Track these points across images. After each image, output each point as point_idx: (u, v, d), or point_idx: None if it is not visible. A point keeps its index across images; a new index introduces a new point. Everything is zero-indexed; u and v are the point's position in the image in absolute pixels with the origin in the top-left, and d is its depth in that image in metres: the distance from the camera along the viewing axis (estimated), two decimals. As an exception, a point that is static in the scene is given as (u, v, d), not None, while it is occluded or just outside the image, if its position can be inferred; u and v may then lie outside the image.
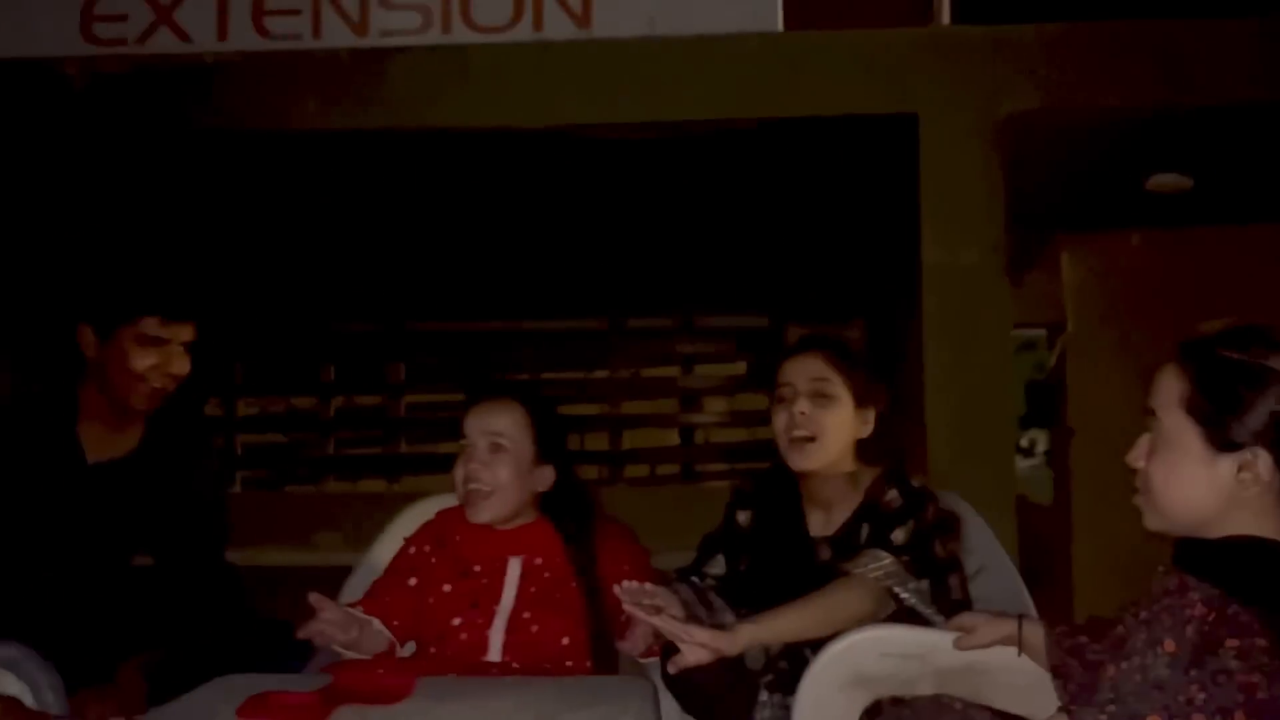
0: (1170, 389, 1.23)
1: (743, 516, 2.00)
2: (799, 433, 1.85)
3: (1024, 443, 7.35)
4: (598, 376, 5.60)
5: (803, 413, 1.85)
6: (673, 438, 5.73)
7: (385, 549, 2.00)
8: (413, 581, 1.85)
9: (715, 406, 5.71)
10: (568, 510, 1.90)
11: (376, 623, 1.78)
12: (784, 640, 1.68)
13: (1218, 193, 4.32)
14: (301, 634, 1.66)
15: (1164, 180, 4.23)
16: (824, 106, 3.43)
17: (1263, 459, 1.16)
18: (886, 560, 1.73)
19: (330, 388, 5.62)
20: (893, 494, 1.83)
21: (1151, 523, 1.27)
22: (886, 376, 2.06)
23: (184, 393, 2.22)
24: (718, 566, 1.96)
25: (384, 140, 3.65)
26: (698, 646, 1.58)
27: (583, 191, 4.17)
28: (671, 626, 1.56)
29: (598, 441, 5.46)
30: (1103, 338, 4.93)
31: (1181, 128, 3.67)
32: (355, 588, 2.01)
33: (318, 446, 5.72)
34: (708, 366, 5.76)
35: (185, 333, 2.15)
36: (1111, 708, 1.02)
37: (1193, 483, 1.20)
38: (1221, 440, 1.18)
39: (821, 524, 1.92)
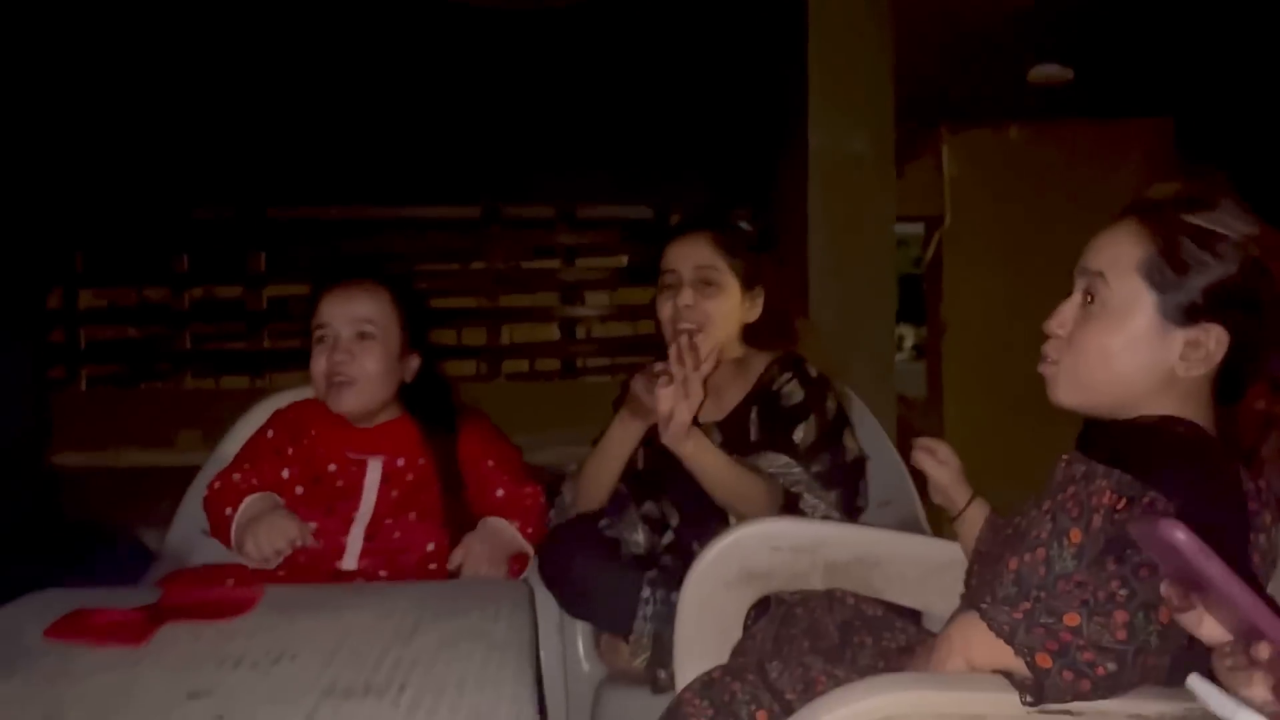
0: (1127, 250, 1.09)
1: None
2: (684, 325, 1.76)
3: (893, 337, 7.48)
4: (475, 268, 5.38)
5: (688, 305, 1.76)
6: (553, 332, 5.59)
7: (234, 445, 1.80)
8: (285, 473, 1.68)
9: (597, 300, 5.57)
10: (431, 404, 1.75)
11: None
12: (705, 473, 1.61)
13: (1098, 85, 4.34)
14: None
15: (1046, 71, 4.22)
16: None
17: (1215, 334, 1.05)
18: (797, 470, 1.67)
19: (185, 278, 5.25)
20: (791, 384, 1.75)
21: (1064, 395, 1.14)
22: (774, 255, 1.96)
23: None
24: None
25: (238, 3, 3.30)
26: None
27: (458, 68, 3.90)
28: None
29: (475, 336, 5.28)
30: (979, 231, 4.97)
31: (1066, 18, 3.63)
32: (203, 485, 1.81)
33: (174, 341, 5.37)
34: (590, 259, 5.60)
35: None
36: (1026, 605, 0.95)
37: (1133, 354, 1.08)
38: (1178, 310, 1.06)
39: (712, 409, 1.84)
